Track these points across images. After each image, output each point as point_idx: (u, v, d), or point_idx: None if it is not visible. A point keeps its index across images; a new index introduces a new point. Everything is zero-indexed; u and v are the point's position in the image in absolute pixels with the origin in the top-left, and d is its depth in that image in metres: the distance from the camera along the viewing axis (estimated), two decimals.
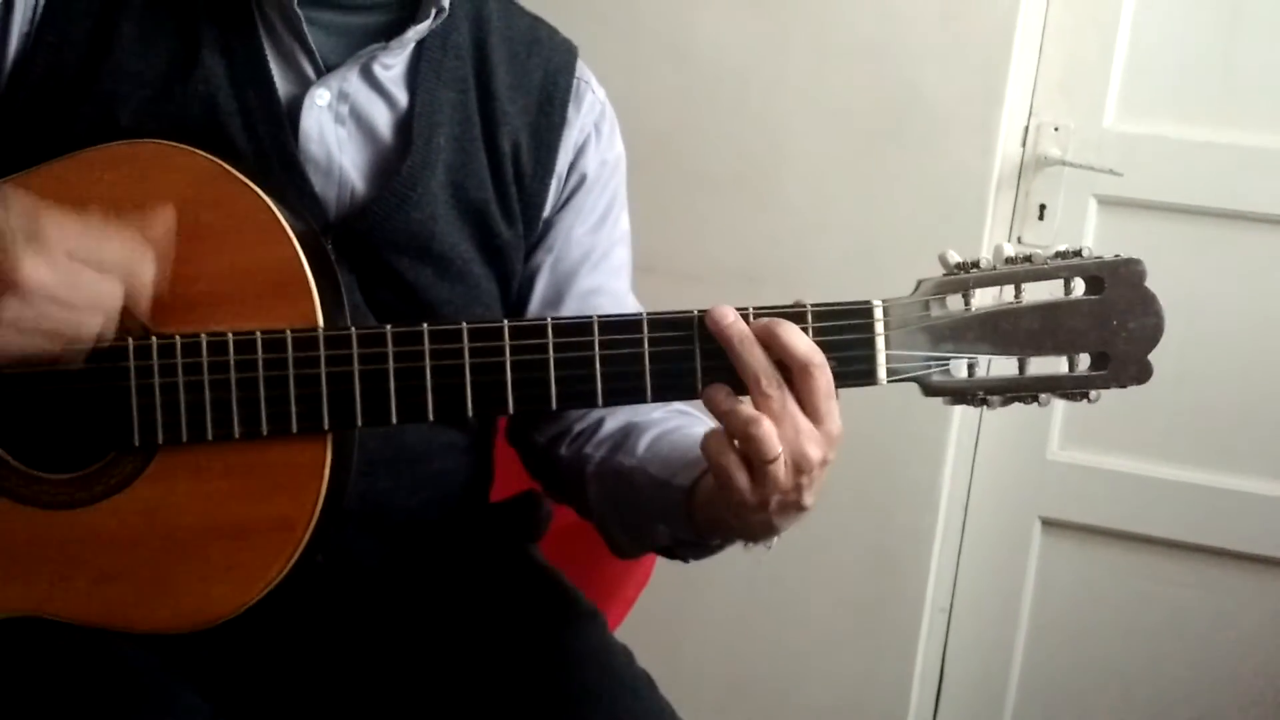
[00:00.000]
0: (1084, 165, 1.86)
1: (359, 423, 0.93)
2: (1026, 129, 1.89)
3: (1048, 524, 2.01)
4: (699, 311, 0.91)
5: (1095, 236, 1.90)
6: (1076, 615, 2.02)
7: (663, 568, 1.40)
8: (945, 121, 1.83)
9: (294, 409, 0.92)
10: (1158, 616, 1.99)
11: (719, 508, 0.95)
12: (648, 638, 1.16)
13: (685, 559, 1.09)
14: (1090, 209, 1.89)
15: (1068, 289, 0.86)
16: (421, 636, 1.07)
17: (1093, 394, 0.86)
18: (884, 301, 0.89)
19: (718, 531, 1.01)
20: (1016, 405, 0.89)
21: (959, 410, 1.90)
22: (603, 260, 1.16)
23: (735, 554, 2.19)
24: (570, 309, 1.14)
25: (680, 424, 1.09)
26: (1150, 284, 0.86)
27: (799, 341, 0.89)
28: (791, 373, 0.89)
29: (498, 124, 1.09)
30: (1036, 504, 2.01)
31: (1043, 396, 0.87)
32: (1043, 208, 1.88)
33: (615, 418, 1.11)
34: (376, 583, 1.08)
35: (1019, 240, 1.92)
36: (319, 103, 1.03)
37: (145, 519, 0.94)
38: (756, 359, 0.89)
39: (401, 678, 1.05)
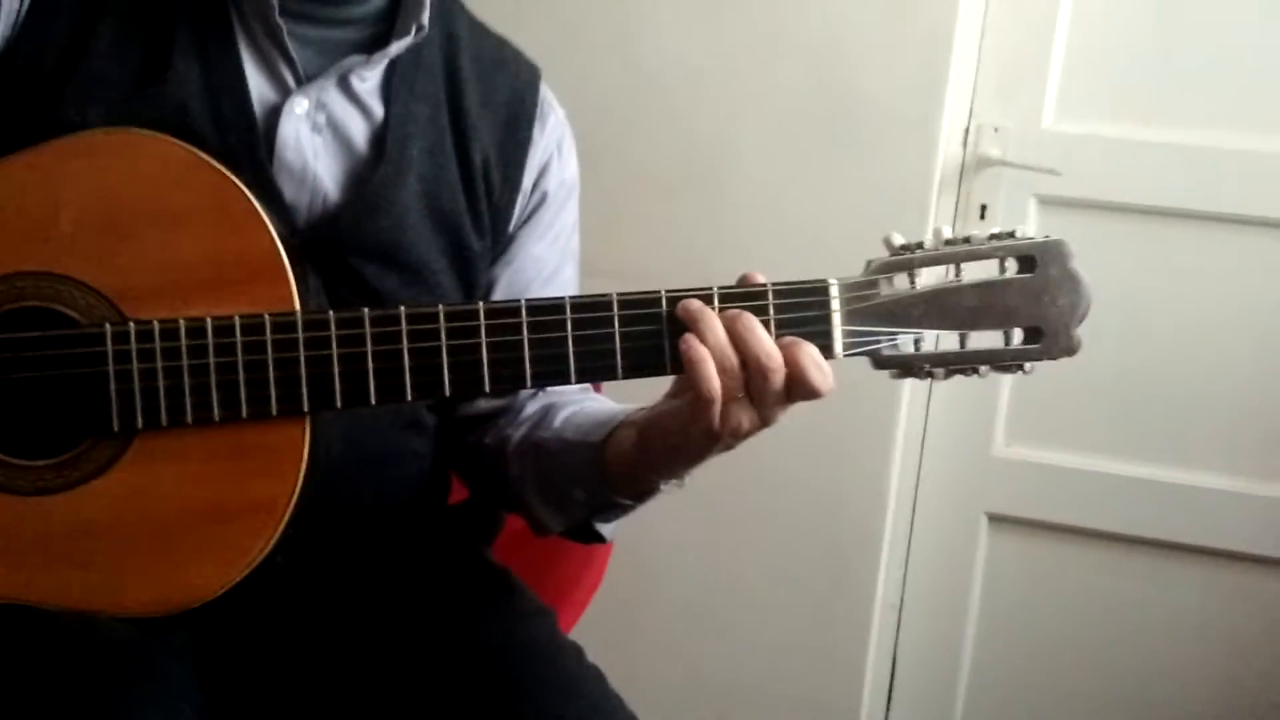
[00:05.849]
0: (1023, 165, 1.97)
1: (339, 404, 0.99)
2: (967, 130, 2.00)
3: (994, 519, 2.12)
4: (666, 292, 0.99)
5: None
6: (1025, 609, 2.13)
7: (615, 569, 1.50)
8: (888, 123, 1.94)
9: (273, 392, 0.98)
10: (1105, 610, 2.09)
11: (641, 451, 1.06)
12: (600, 639, 1.23)
13: (597, 533, 1.20)
14: (1030, 208, 2.01)
15: (1002, 268, 0.97)
16: (376, 632, 1.13)
17: (1027, 365, 0.98)
18: (838, 280, 0.99)
19: (632, 482, 1.11)
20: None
21: (905, 407, 2.02)
22: (554, 276, 1.26)
23: (687, 551, 2.27)
24: None
25: (592, 400, 1.20)
26: (1077, 265, 0.98)
27: (760, 344, 0.97)
28: (748, 369, 0.98)
29: (469, 138, 1.18)
30: (983, 500, 2.11)
31: (982, 368, 0.98)
32: (984, 208, 2.00)
33: (534, 402, 1.22)
34: (334, 583, 1.15)
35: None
36: (297, 111, 1.10)
37: (125, 503, 0.99)
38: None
39: (356, 672, 1.11)
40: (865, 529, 2.07)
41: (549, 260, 1.26)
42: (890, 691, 2.20)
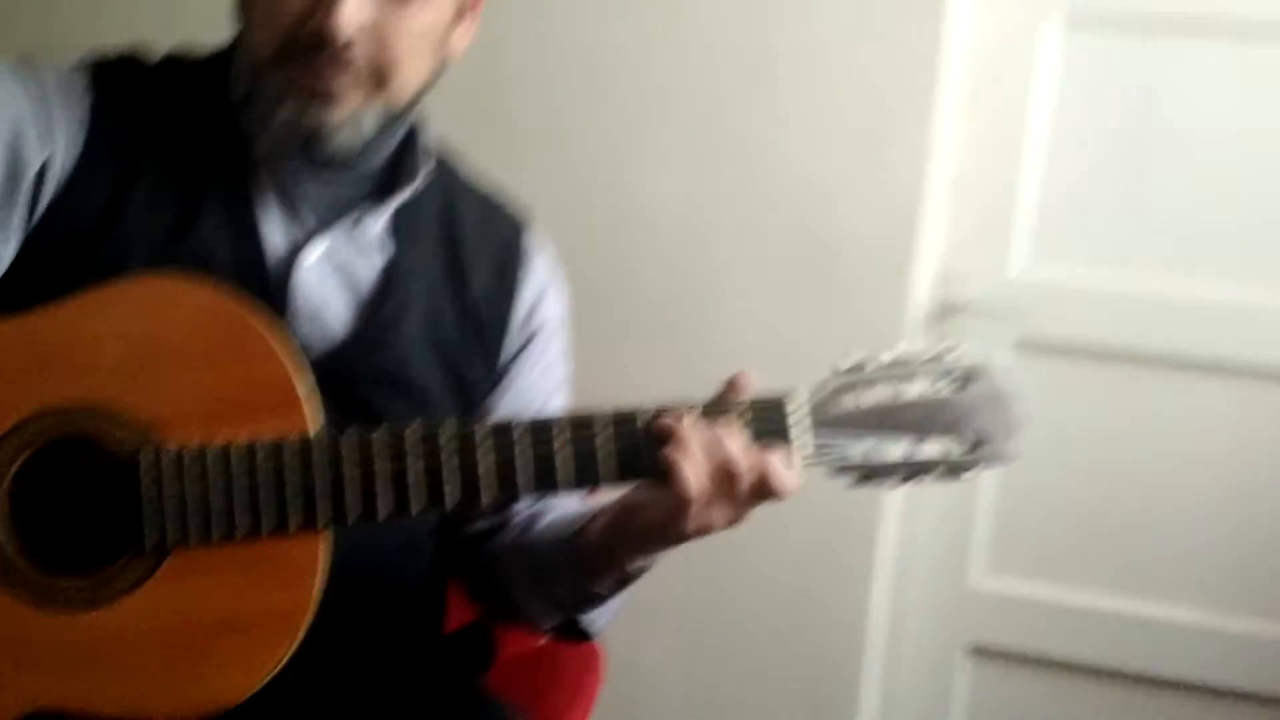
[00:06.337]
0: (993, 312, 2.08)
1: (352, 519, 1.08)
2: (938, 277, 2.11)
3: (975, 651, 2.18)
4: (649, 408, 1.11)
5: None
6: None
7: (603, 703, 1.57)
8: (865, 265, 2.04)
9: (290, 510, 1.08)
10: None
11: (616, 534, 1.18)
12: None
13: (582, 629, 1.30)
14: (999, 351, 2.07)
15: (945, 385, 1.09)
16: None
17: (971, 473, 1.09)
18: (799, 394, 1.11)
19: (607, 567, 1.22)
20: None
21: (886, 540, 2.09)
22: (546, 403, 1.38)
23: (670, 682, 2.29)
24: None
25: (573, 503, 1.30)
26: (1010, 380, 1.10)
27: (733, 448, 1.09)
28: (723, 472, 1.09)
29: (466, 278, 1.31)
30: (963, 631, 2.18)
31: (931, 475, 1.09)
32: None
33: (521, 515, 1.33)
34: (335, 701, 1.22)
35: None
36: (310, 259, 1.23)
37: (156, 616, 1.08)
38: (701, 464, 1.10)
39: None
40: (846, 660, 2.12)
41: (541, 389, 1.37)
42: None
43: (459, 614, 1.41)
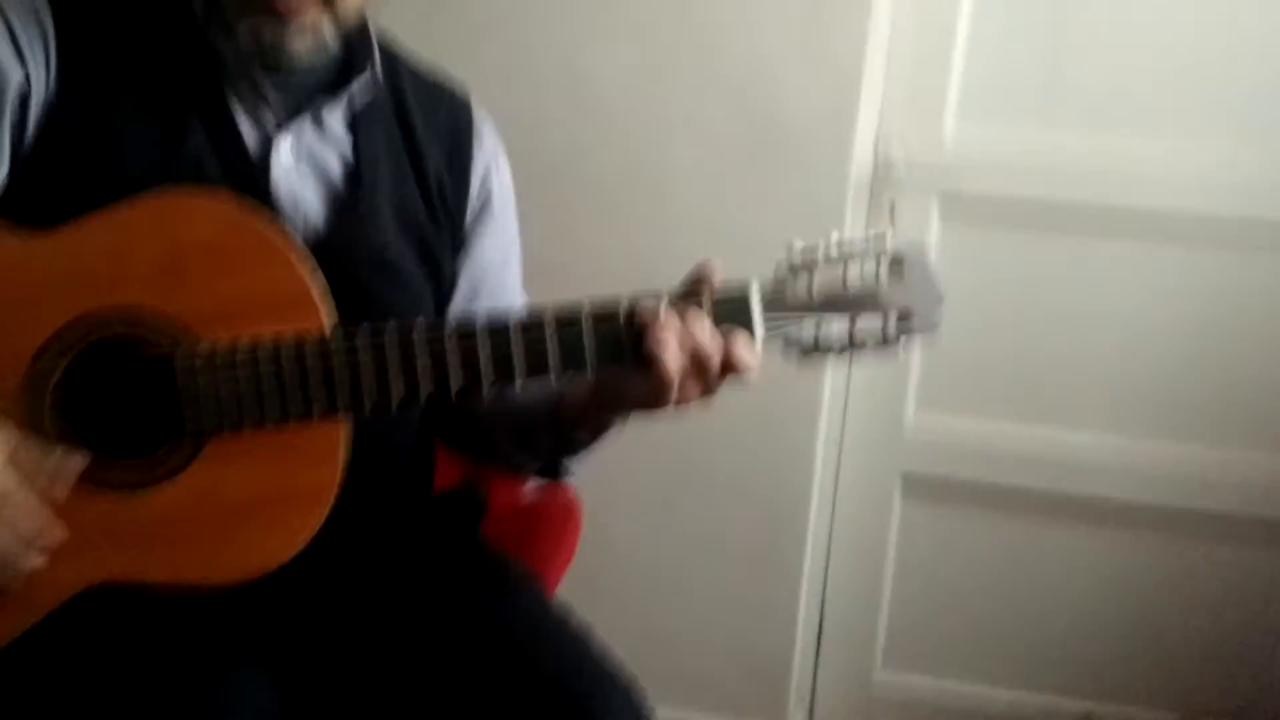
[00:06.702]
0: (927, 170, 2.19)
1: (367, 407, 1.19)
2: (877, 140, 2.20)
3: (906, 478, 2.35)
4: (627, 298, 1.23)
5: (939, 232, 2.22)
6: (934, 558, 2.38)
7: (581, 545, 1.71)
8: (806, 137, 2.13)
9: (314, 400, 1.18)
10: (1004, 556, 2.34)
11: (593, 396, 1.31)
12: (568, 597, 1.42)
13: (564, 467, 1.45)
14: (934, 208, 2.22)
15: (878, 266, 1.24)
16: (389, 608, 1.32)
17: (903, 343, 1.24)
18: (757, 282, 1.24)
19: (586, 426, 1.36)
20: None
21: (828, 384, 2.25)
22: (504, 265, 1.51)
23: (641, 520, 2.48)
24: (483, 304, 1.45)
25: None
26: (933, 261, 1.24)
27: (703, 332, 1.23)
28: (696, 353, 1.22)
29: (422, 158, 1.41)
30: (897, 461, 2.35)
31: (869, 346, 1.24)
32: (893, 211, 2.19)
33: None
34: (356, 565, 1.33)
35: None
36: (284, 154, 1.30)
37: (204, 494, 1.18)
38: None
39: (376, 642, 1.29)
40: (795, 492, 2.28)
41: (499, 251, 1.50)
42: (820, 633, 2.43)
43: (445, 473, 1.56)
